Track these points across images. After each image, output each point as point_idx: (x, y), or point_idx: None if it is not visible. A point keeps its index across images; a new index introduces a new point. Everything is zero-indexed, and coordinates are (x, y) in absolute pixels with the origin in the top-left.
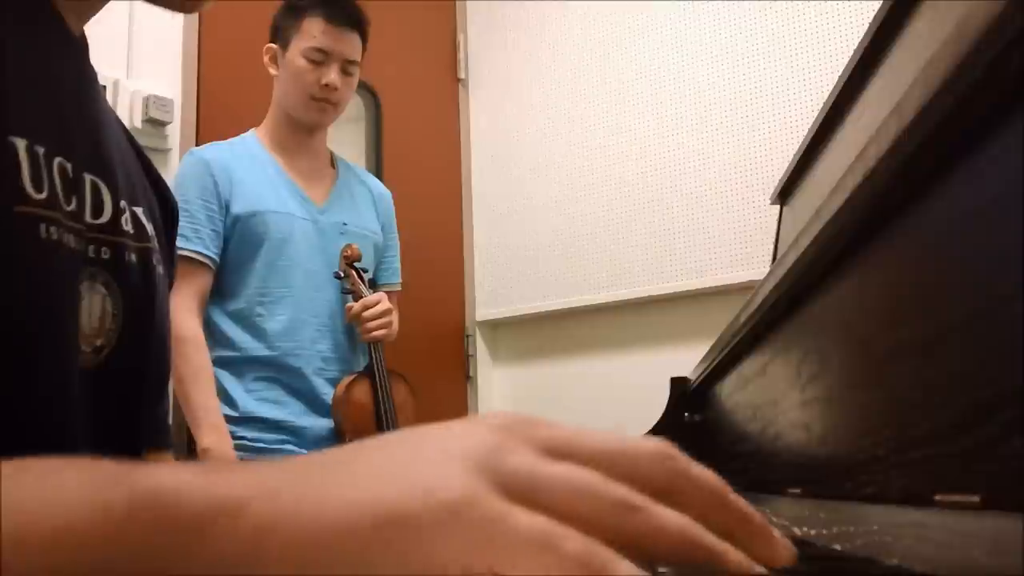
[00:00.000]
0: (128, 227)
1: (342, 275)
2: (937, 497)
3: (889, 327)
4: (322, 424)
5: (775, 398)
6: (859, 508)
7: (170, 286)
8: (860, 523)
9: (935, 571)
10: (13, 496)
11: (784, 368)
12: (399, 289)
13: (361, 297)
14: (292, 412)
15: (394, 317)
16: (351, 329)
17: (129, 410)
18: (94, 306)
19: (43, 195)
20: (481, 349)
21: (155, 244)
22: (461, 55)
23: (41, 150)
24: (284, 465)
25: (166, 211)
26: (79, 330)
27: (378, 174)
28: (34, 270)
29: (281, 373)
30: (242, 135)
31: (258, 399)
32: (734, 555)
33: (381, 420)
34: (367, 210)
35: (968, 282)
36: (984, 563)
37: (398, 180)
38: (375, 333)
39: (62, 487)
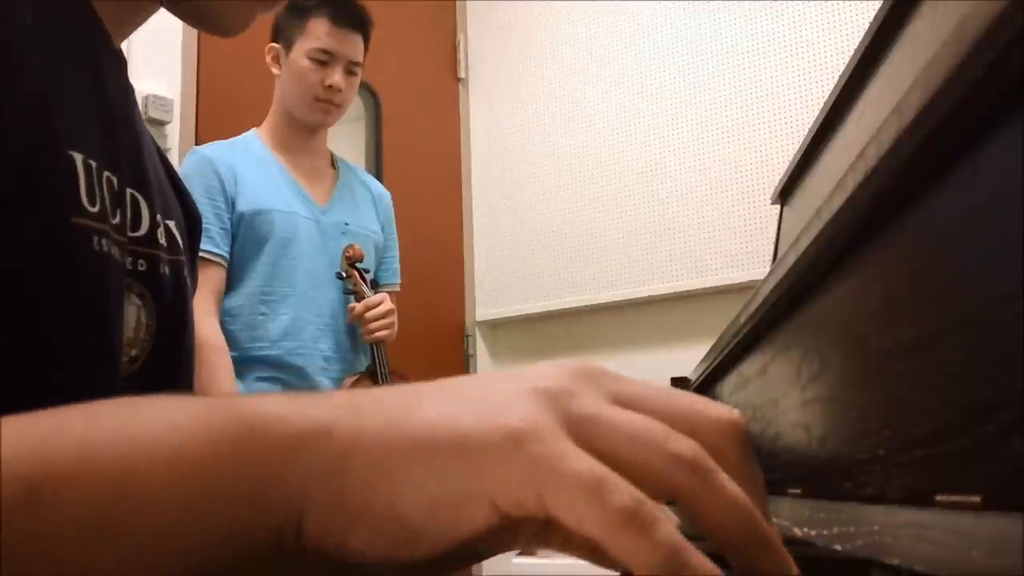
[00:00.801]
0: (163, 240)
1: (344, 275)
2: (938, 498)
3: (890, 327)
4: None
5: (775, 398)
6: (859, 508)
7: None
8: (860, 523)
9: (935, 571)
10: (130, 426)
11: (784, 368)
12: (398, 289)
13: (363, 297)
14: None
15: (394, 317)
16: (353, 329)
17: None
18: (129, 316)
19: (96, 208)
20: (481, 349)
21: (184, 257)
22: (461, 55)
23: (94, 164)
24: (370, 391)
25: (191, 224)
26: (121, 341)
27: (378, 174)
28: (88, 281)
29: (283, 372)
30: (243, 135)
31: None
32: (777, 542)
33: None
34: (368, 210)
35: (968, 282)
36: (984, 563)
37: (398, 180)
38: (378, 334)
39: (174, 418)
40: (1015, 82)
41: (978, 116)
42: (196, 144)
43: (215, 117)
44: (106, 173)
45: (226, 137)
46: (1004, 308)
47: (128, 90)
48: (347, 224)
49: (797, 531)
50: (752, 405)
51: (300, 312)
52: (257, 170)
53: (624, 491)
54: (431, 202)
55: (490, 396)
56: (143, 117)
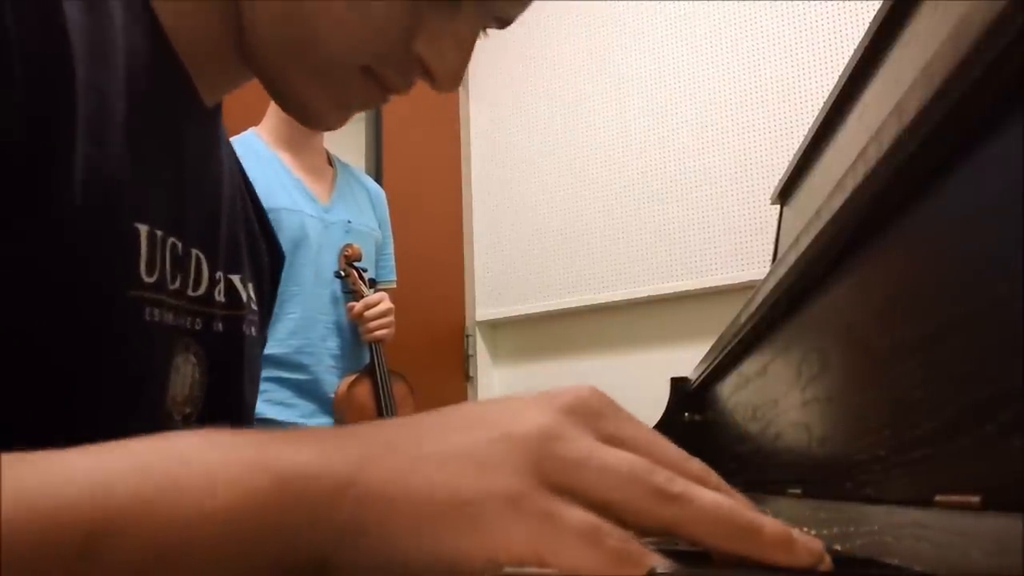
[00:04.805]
0: (220, 297)
1: (342, 274)
2: (938, 498)
3: (889, 327)
4: (330, 425)
5: (775, 398)
6: (859, 508)
7: (265, 329)
8: (860, 523)
9: (935, 571)
10: (179, 482)
11: (784, 368)
12: (395, 286)
13: (362, 296)
14: (302, 413)
15: (393, 316)
16: (355, 326)
17: None
18: (185, 375)
19: (153, 278)
20: (481, 349)
21: (249, 309)
22: None
23: (160, 234)
24: (369, 437)
25: (274, 257)
26: (172, 400)
27: (378, 174)
28: (135, 351)
29: (291, 371)
30: (241, 135)
31: (266, 400)
32: (773, 527)
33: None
34: (366, 208)
35: (968, 282)
36: (984, 563)
37: (398, 180)
38: (377, 333)
39: (218, 475)
40: (1015, 82)
41: (978, 116)
42: None
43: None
44: (171, 240)
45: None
46: (1004, 308)
47: (212, 145)
48: (350, 222)
49: (797, 531)
50: (752, 405)
51: (307, 311)
52: (262, 169)
53: (614, 534)
54: (431, 202)
55: (484, 449)
56: None
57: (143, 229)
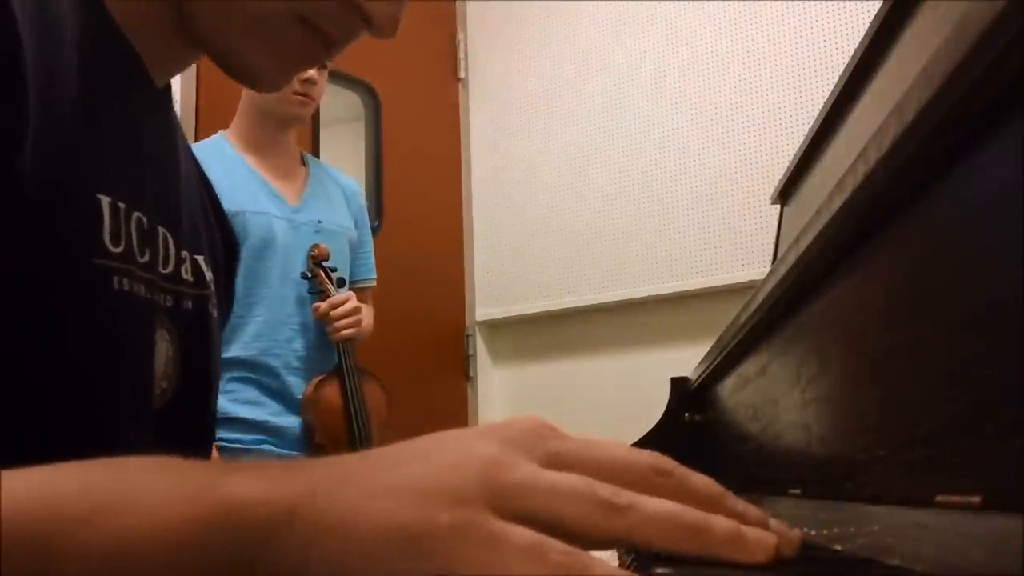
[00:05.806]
0: (187, 276)
1: (309, 275)
2: (938, 498)
3: (889, 327)
4: (299, 423)
5: (775, 398)
6: (859, 508)
7: (226, 321)
8: (860, 523)
9: (935, 571)
10: (126, 499)
11: (784, 368)
12: (374, 284)
13: (328, 296)
14: (270, 412)
15: (366, 314)
16: (323, 327)
17: (187, 448)
18: (160, 351)
19: (120, 248)
20: (481, 349)
21: (212, 289)
22: (461, 55)
23: (123, 206)
24: (322, 471)
25: (228, 248)
26: (153, 375)
27: (378, 174)
28: (105, 319)
29: (257, 373)
30: (211, 138)
31: (234, 400)
32: (722, 524)
33: (351, 420)
34: (340, 206)
35: (968, 282)
36: (984, 563)
37: (398, 180)
38: (344, 332)
39: (162, 498)
40: (1015, 82)
41: (978, 116)
42: (196, 143)
43: (215, 116)
44: (136, 213)
45: None
46: (1004, 308)
47: (168, 127)
48: (320, 222)
49: (797, 531)
50: (752, 405)
51: (274, 313)
52: (227, 172)
53: (557, 549)
54: (431, 202)
55: (430, 480)
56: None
57: (105, 200)
